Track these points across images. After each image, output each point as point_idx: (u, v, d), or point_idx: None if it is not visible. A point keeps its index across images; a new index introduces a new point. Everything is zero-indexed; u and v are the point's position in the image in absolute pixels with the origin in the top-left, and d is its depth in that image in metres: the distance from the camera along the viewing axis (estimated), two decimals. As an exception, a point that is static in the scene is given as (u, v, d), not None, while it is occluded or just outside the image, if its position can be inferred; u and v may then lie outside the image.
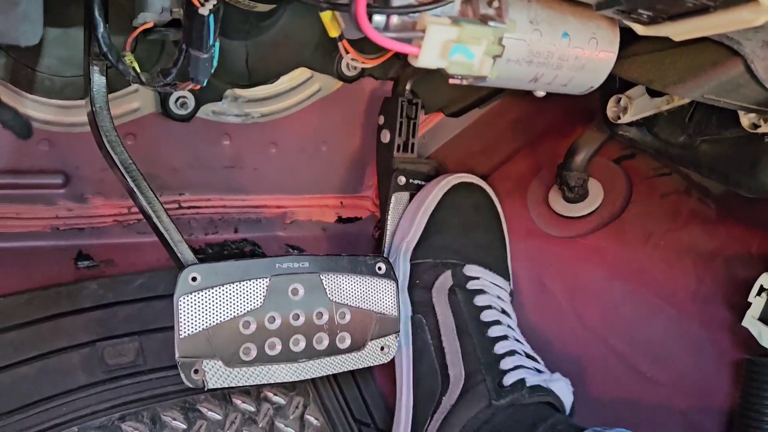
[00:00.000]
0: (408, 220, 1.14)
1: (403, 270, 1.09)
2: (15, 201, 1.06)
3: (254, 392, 1.15)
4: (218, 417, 1.11)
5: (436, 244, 1.09)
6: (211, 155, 1.17)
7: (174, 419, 1.08)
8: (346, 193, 1.37)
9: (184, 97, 1.05)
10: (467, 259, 1.09)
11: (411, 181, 1.19)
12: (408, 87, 1.19)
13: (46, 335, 1.04)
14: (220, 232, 1.24)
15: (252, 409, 1.14)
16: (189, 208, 1.21)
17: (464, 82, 0.60)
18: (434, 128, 1.35)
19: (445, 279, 1.06)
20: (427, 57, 0.54)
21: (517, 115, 1.38)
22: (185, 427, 1.08)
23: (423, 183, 1.20)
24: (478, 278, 1.06)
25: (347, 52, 0.61)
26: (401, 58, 0.85)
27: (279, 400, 1.17)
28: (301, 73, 1.16)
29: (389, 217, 1.17)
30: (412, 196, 1.19)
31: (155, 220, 0.83)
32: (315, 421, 1.18)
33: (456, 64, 0.54)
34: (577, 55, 0.62)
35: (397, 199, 1.18)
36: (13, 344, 1.02)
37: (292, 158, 1.25)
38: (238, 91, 1.12)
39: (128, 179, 0.82)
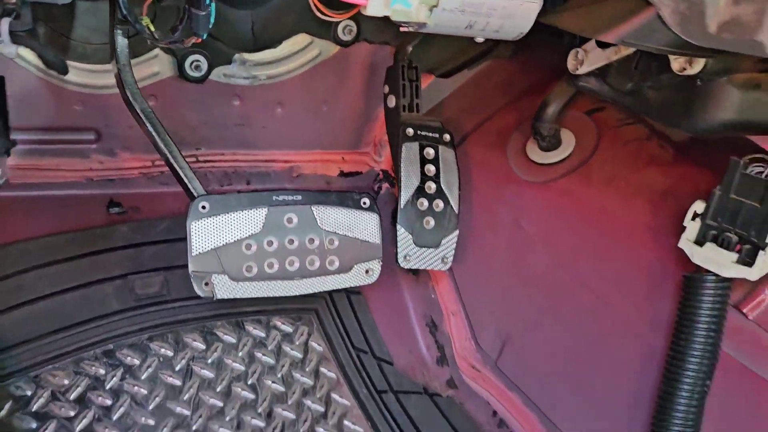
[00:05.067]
0: None
1: None
2: (55, 155, 1.23)
3: (264, 321, 1.31)
4: (232, 340, 1.27)
5: None
6: (223, 114, 1.33)
7: (194, 341, 1.24)
8: (347, 149, 1.51)
9: (197, 60, 1.21)
10: None
11: (419, 132, 1.28)
12: (409, 50, 1.31)
13: (85, 269, 1.21)
14: (233, 183, 1.39)
15: (262, 335, 1.30)
16: (205, 161, 1.37)
17: (410, 29, 0.73)
18: (427, 90, 1.48)
19: None
20: (373, 6, 0.67)
21: (503, 77, 1.51)
22: (204, 347, 1.24)
23: (431, 134, 1.30)
24: None
25: (317, 9, 0.75)
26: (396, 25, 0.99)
27: (286, 328, 1.33)
28: (302, 39, 1.30)
29: (402, 165, 1.25)
30: (421, 148, 1.27)
31: (171, 159, 0.99)
32: (318, 347, 1.33)
33: (397, 12, 0.68)
34: (504, 5, 0.75)
35: (408, 149, 1.26)
36: (57, 275, 1.19)
37: (297, 117, 1.40)
38: (246, 56, 1.27)
39: (148, 125, 0.98)
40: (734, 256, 0.95)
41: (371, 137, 1.52)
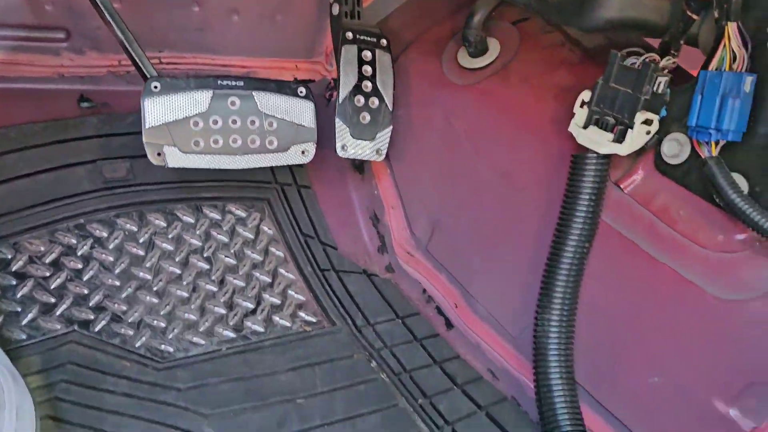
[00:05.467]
0: None
1: None
2: (28, 51, 1.36)
3: (220, 206, 1.48)
4: (191, 221, 1.43)
5: None
6: (184, 19, 1.46)
7: (156, 219, 1.40)
8: (301, 57, 1.65)
9: (157, -35, 1.34)
10: None
11: (358, 36, 1.42)
12: None
13: (58, 154, 1.37)
14: (194, 84, 1.53)
15: (218, 217, 1.46)
16: (168, 63, 1.50)
17: None
18: (375, 4, 1.61)
19: None
20: None
21: (446, -8, 1.64)
22: (165, 225, 1.41)
23: (369, 39, 1.43)
24: None
25: None
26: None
27: (240, 213, 1.49)
28: (256, -51, 1.43)
29: (341, 65, 1.39)
30: (359, 50, 1.41)
31: (126, 44, 1.13)
32: (269, 231, 1.50)
33: None
34: None
35: (347, 50, 1.39)
36: (32, 159, 1.34)
37: (252, 24, 1.53)
38: (202, -37, 1.40)
39: (106, 14, 1.12)
40: (611, 136, 1.12)
41: (323, 47, 1.65)
